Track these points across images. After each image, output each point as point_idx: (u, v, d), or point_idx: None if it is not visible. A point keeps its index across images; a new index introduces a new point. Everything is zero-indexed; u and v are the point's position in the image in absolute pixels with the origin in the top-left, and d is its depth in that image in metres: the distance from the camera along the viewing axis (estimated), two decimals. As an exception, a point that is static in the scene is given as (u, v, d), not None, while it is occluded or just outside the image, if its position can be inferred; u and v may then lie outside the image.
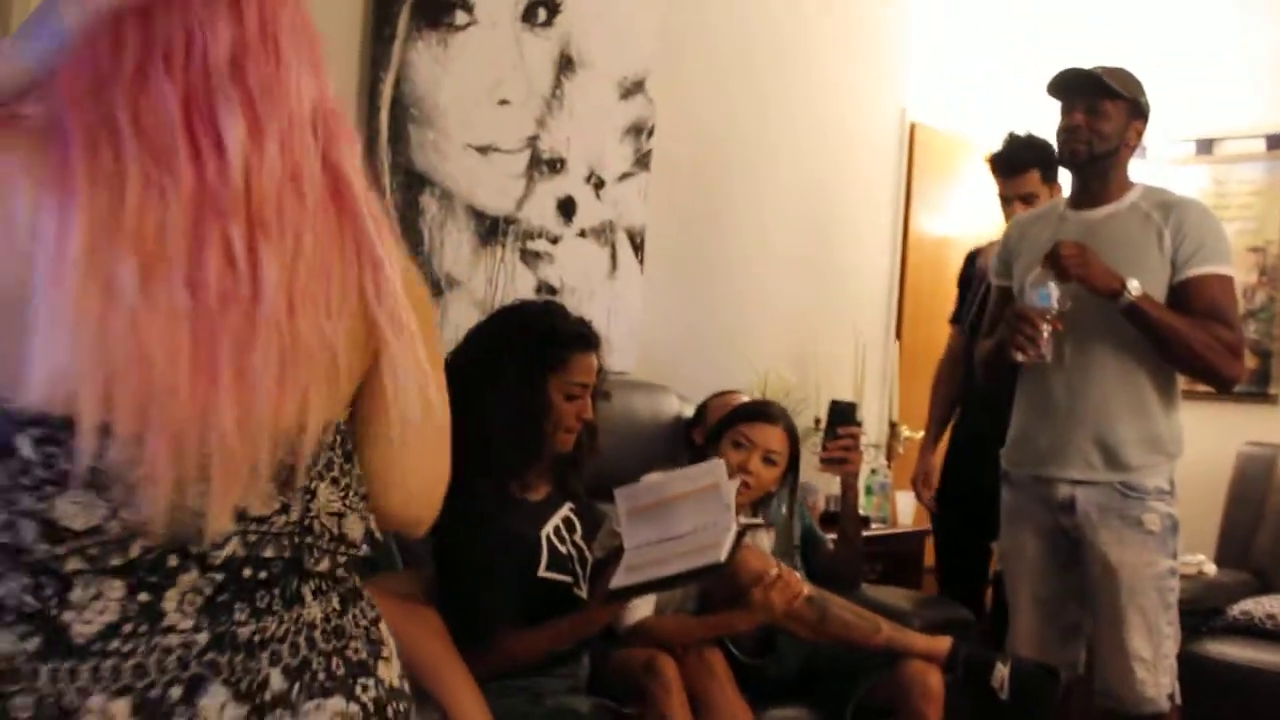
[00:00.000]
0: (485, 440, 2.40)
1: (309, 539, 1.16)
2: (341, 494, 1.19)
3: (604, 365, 2.60)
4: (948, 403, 4.00)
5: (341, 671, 1.16)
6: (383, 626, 1.25)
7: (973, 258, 4.08)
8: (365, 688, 1.18)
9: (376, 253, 1.13)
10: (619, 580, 2.35)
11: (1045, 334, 2.79)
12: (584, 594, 2.54)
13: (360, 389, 1.18)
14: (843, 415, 3.17)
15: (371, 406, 1.20)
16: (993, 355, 3.06)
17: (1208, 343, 2.80)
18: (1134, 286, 2.76)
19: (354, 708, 1.15)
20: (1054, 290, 2.79)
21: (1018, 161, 3.75)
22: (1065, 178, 3.22)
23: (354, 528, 1.21)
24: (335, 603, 1.20)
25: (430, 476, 1.30)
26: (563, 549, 2.51)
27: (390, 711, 1.20)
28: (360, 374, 1.17)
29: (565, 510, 2.59)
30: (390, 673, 1.22)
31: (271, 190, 1.06)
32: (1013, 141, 3.80)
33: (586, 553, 2.61)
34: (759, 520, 2.68)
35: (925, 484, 3.99)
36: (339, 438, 1.19)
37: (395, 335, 1.15)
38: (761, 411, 3.03)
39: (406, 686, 1.26)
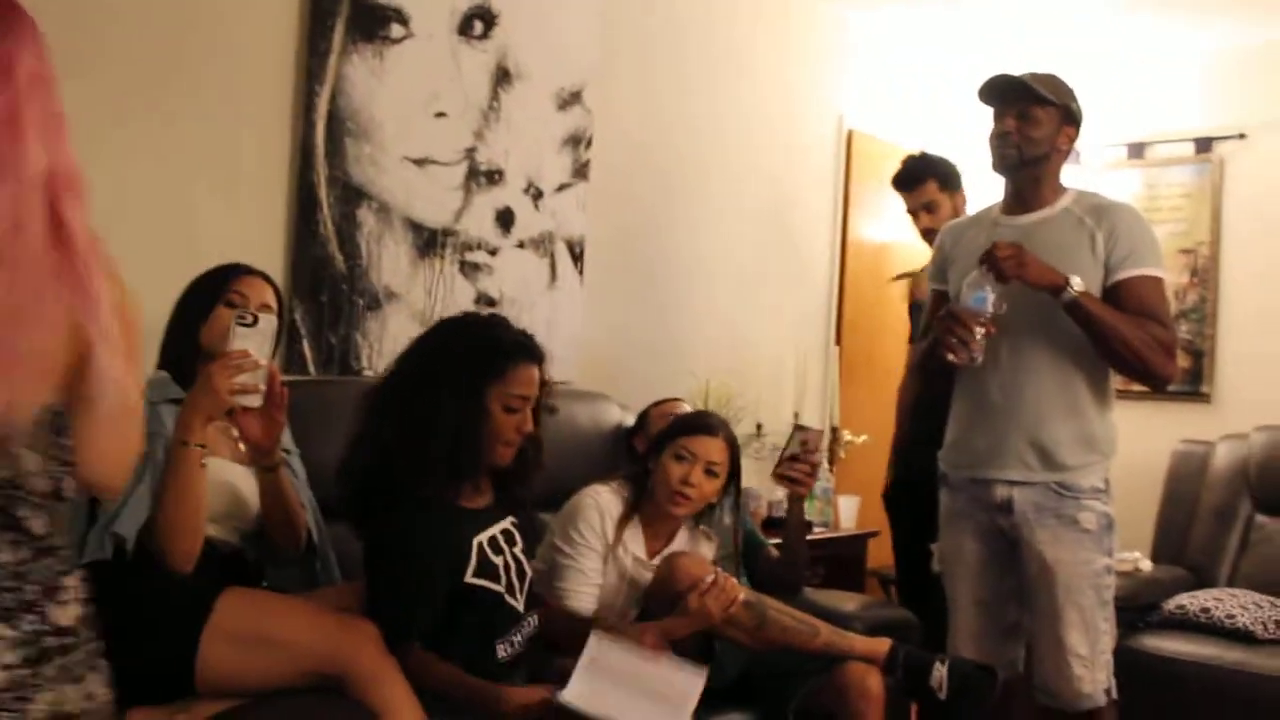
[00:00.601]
0: (420, 444, 2.40)
1: (19, 494, 1.48)
2: (42, 460, 1.51)
3: (549, 380, 2.58)
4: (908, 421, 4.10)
5: (10, 605, 1.45)
6: (69, 580, 1.54)
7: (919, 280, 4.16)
8: (30, 620, 1.47)
9: (86, 286, 1.50)
10: (573, 692, 2.37)
11: (978, 336, 2.83)
12: (518, 604, 2.53)
13: (73, 382, 1.51)
14: (806, 440, 3.20)
15: (79, 396, 1.52)
16: (925, 358, 3.10)
17: (1145, 340, 2.85)
18: (1076, 283, 2.80)
19: (11, 632, 1.44)
20: (989, 294, 2.83)
21: (915, 174, 4.07)
22: (987, 186, 3.26)
23: (43, 485, 1.52)
24: (26, 553, 1.49)
25: (119, 452, 1.61)
26: (495, 559, 2.51)
27: (47, 642, 1.48)
28: (69, 371, 1.50)
29: (506, 523, 2.59)
30: (61, 615, 1.51)
31: None
32: (909, 159, 4.14)
33: (525, 566, 2.61)
34: None
35: None
36: (52, 417, 1.51)
37: (101, 348, 1.50)
38: (702, 424, 3.03)
39: (82, 631, 1.55)
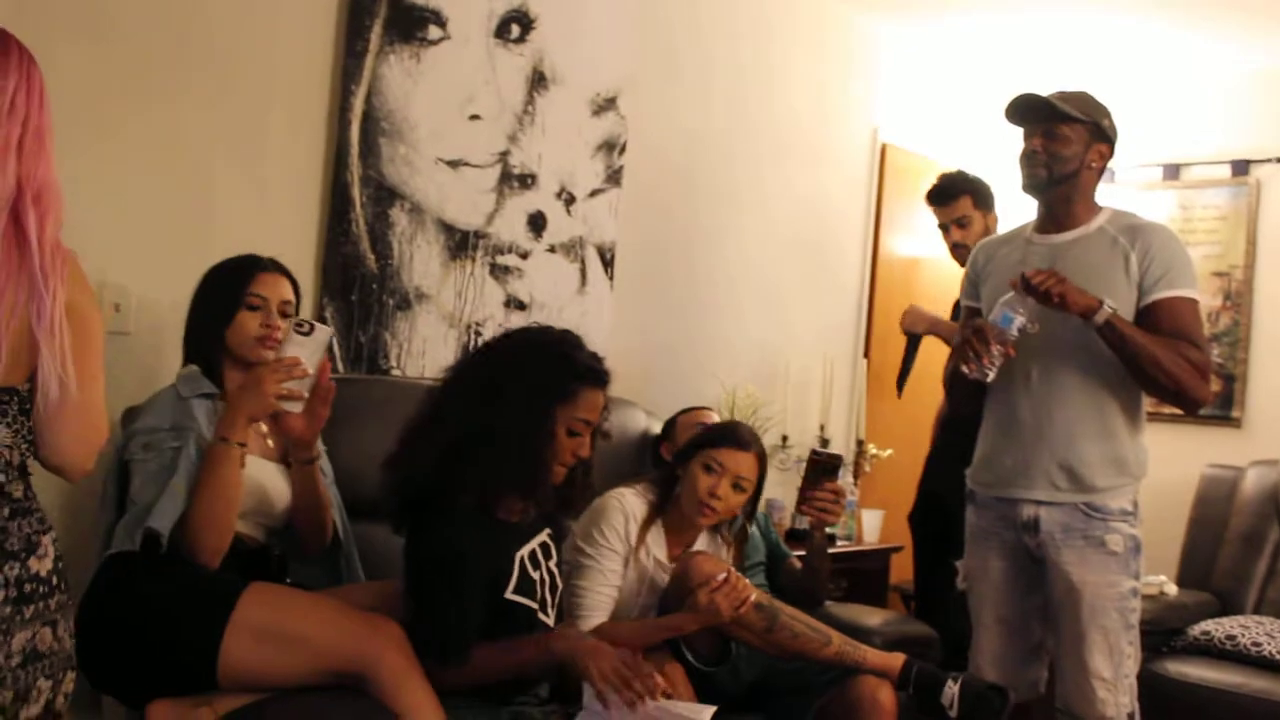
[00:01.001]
0: (479, 456, 2.38)
1: None
2: (12, 435, 1.78)
3: (609, 405, 2.57)
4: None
5: None
6: (45, 539, 1.80)
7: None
8: (11, 567, 1.74)
9: (40, 289, 1.72)
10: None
11: (996, 354, 2.81)
12: (549, 620, 2.52)
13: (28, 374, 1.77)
14: (827, 469, 3.13)
15: (33, 387, 1.78)
16: (948, 375, 3.10)
17: (1178, 363, 2.82)
18: (1110, 305, 2.78)
19: None
20: (1018, 317, 2.80)
21: (951, 189, 4.10)
22: (1022, 203, 3.24)
23: (15, 457, 1.78)
24: (5, 511, 1.75)
25: (68, 439, 1.82)
26: (534, 574, 2.50)
27: (27, 588, 1.75)
28: (28, 362, 1.76)
29: (543, 536, 2.58)
30: (40, 565, 1.79)
31: None
32: (946, 175, 4.17)
33: (558, 580, 2.60)
34: None
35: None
36: (14, 399, 1.77)
37: (46, 344, 1.73)
38: (735, 437, 3.01)
39: (58, 580, 1.82)
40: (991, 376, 2.83)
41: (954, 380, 3.06)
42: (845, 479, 4.49)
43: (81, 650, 2.30)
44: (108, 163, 2.91)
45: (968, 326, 2.90)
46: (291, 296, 2.64)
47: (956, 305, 4.06)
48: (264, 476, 2.54)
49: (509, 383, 2.42)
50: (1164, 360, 2.81)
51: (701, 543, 3.08)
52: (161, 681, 2.25)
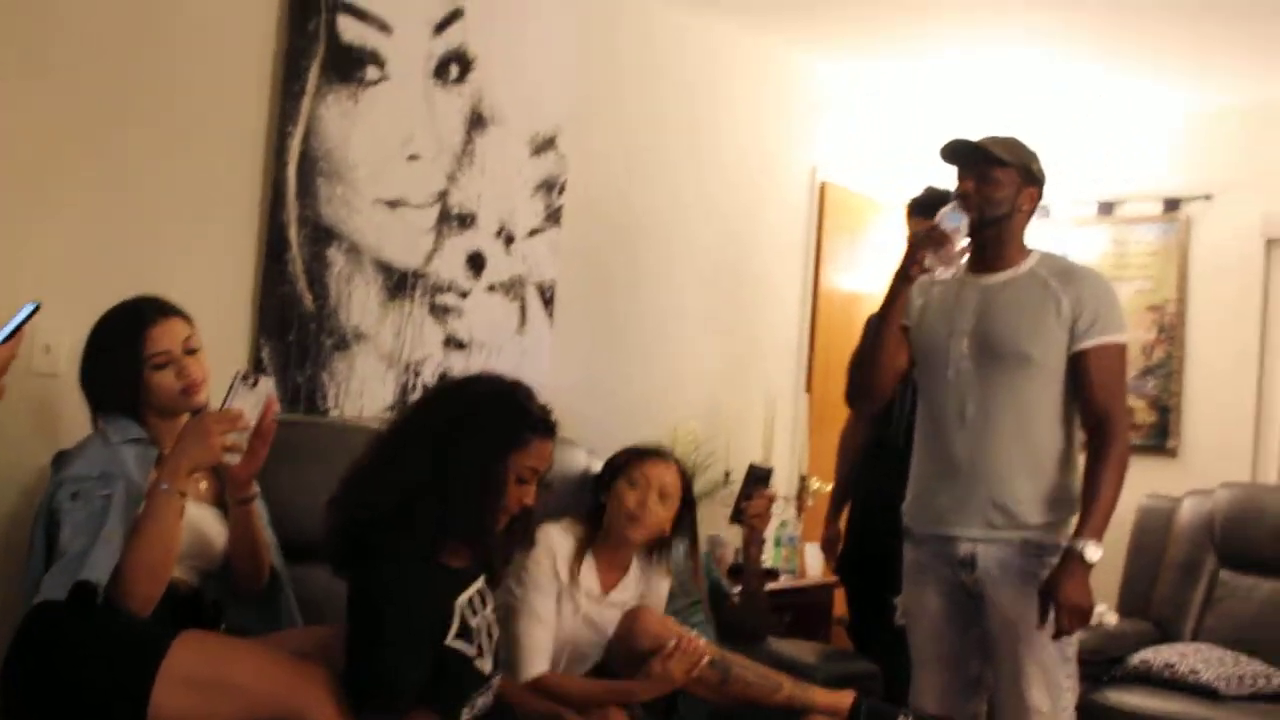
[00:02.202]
0: (430, 504, 2.35)
1: None
2: None
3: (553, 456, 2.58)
4: (850, 470, 4.10)
5: None
6: None
7: (871, 322, 4.15)
8: None
9: None
10: None
11: (957, 249, 2.89)
12: (486, 667, 2.50)
13: None
14: (759, 479, 3.31)
15: None
16: (859, 353, 3.15)
17: (1117, 478, 2.93)
18: (1080, 548, 2.84)
19: None
20: (964, 219, 2.91)
21: (935, 205, 3.92)
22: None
23: None
24: None
25: None
26: (472, 620, 2.48)
27: None
28: None
29: (479, 583, 2.57)
30: None
31: None
32: (932, 189, 4.04)
33: (494, 628, 2.59)
34: None
35: (829, 550, 4.10)
36: None
37: None
38: (653, 450, 3.11)
39: None
40: (952, 272, 2.94)
41: (860, 363, 3.13)
42: (789, 513, 4.52)
43: (7, 703, 2.27)
44: (41, 201, 2.89)
45: (923, 229, 2.98)
46: (188, 330, 2.57)
47: (868, 323, 4.10)
48: (200, 520, 2.52)
49: (463, 430, 2.40)
50: (1116, 490, 2.92)
51: (633, 573, 3.09)
52: (91, 733, 2.22)
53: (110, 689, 2.20)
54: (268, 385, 2.44)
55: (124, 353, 2.50)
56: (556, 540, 2.98)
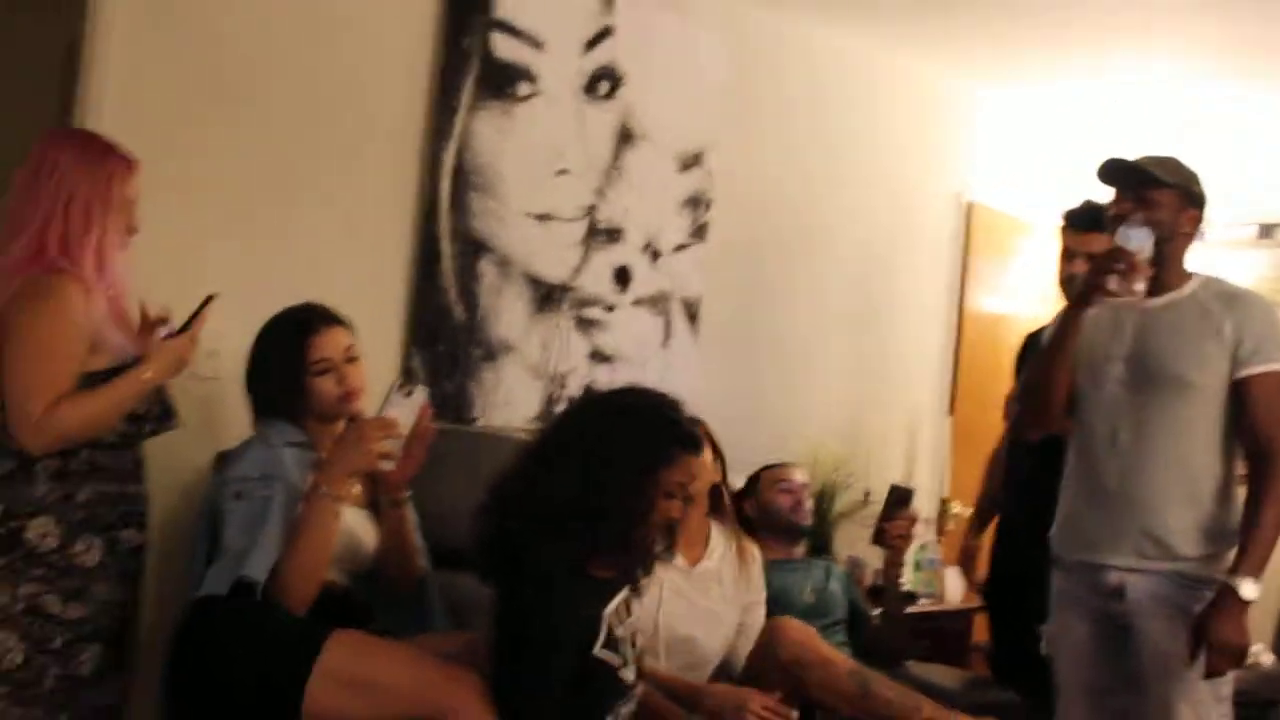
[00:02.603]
0: (581, 520, 2.38)
1: None
2: None
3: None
4: (997, 486, 3.99)
5: None
6: None
7: (1031, 340, 4.06)
8: None
9: None
10: None
11: (1142, 272, 2.77)
12: (629, 677, 2.51)
13: None
14: (900, 500, 3.30)
15: None
16: (1026, 384, 3.05)
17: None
18: (1249, 594, 2.74)
19: None
20: (1149, 236, 2.78)
21: (1096, 220, 3.80)
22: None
23: None
24: None
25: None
26: (619, 630, 2.50)
27: None
28: None
29: (625, 593, 2.58)
30: None
31: None
32: (1091, 203, 3.87)
33: (638, 637, 2.60)
34: None
35: (967, 564, 3.97)
36: None
37: None
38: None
39: None
40: (1142, 293, 2.79)
41: (1030, 383, 3.03)
42: (929, 537, 4.46)
43: (170, 693, 2.36)
44: (207, 211, 3.00)
45: (1106, 252, 2.83)
46: (350, 340, 2.67)
47: (1026, 345, 4.00)
48: (351, 522, 2.59)
49: (614, 445, 2.41)
50: (1277, 524, 2.78)
51: (715, 539, 3.09)
52: (247, 724, 2.30)
53: (266, 683, 2.27)
54: (422, 394, 2.52)
55: (289, 358, 2.60)
56: None
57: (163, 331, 2.42)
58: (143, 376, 2.38)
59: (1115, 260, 2.80)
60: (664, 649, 2.95)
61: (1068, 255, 3.84)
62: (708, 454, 3.00)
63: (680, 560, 3.01)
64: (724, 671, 2.97)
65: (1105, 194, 3.05)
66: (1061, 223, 3.91)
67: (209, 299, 2.37)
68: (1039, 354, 3.07)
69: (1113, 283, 2.80)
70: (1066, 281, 3.82)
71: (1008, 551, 3.85)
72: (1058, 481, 3.12)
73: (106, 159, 2.44)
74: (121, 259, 2.47)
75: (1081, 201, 3.89)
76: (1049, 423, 3.08)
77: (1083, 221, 3.83)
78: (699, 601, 2.99)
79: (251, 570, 2.34)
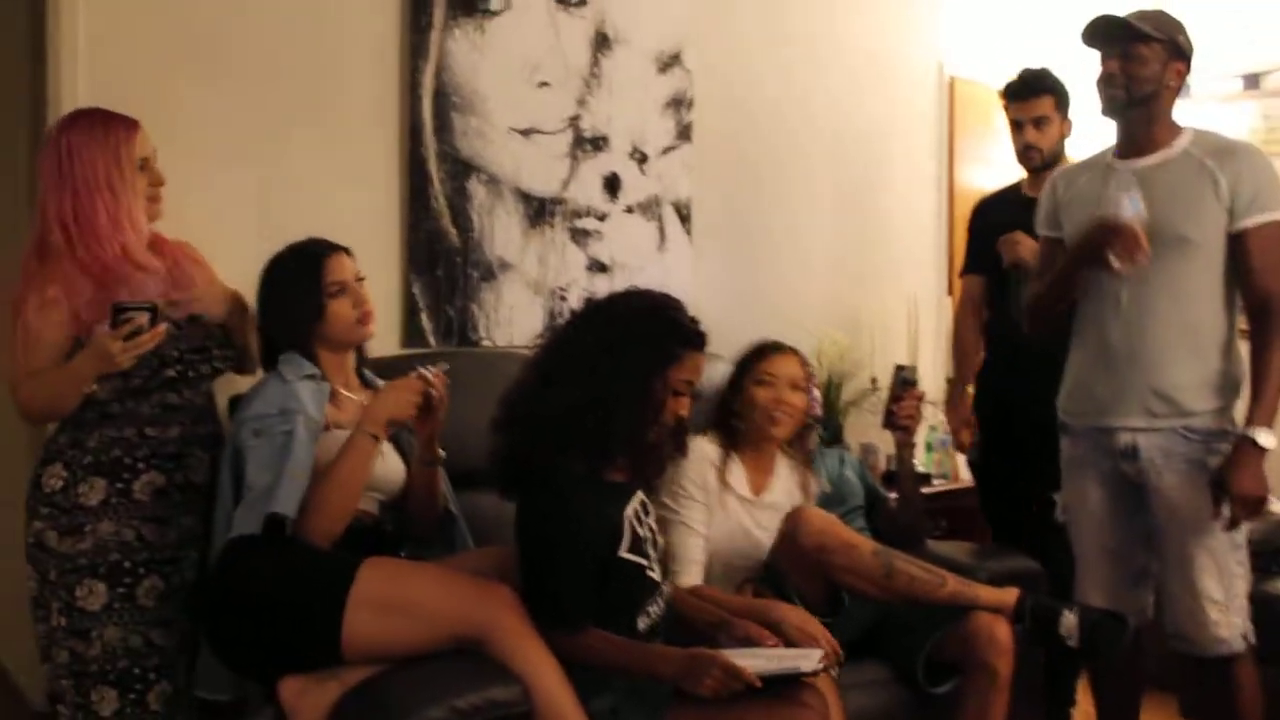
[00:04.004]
0: (592, 424, 2.41)
1: None
2: None
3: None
4: (974, 351, 4.01)
5: None
6: None
7: (981, 208, 4.06)
8: None
9: None
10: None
11: (1143, 242, 2.76)
12: (656, 575, 2.56)
13: None
14: (906, 381, 3.31)
15: None
16: (1044, 291, 3.06)
17: None
18: (1265, 442, 2.76)
19: None
20: (1140, 198, 2.78)
21: (1033, 86, 3.83)
22: (1100, 131, 3.19)
23: None
24: None
25: None
26: (640, 530, 2.54)
27: None
28: None
29: (641, 494, 2.62)
30: None
31: None
32: (1028, 71, 3.90)
33: (657, 536, 2.64)
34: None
35: (966, 427, 3.99)
36: None
37: None
38: (771, 345, 3.19)
39: None
40: (1146, 264, 2.79)
41: (1043, 303, 3.05)
42: (939, 417, 4.49)
43: (212, 631, 2.40)
44: (191, 159, 2.98)
45: (1104, 226, 2.83)
46: (354, 264, 2.71)
47: (971, 228, 4.02)
48: (382, 453, 2.61)
49: (618, 348, 2.44)
50: None
51: (782, 472, 3.14)
52: (290, 659, 2.33)
53: (305, 618, 2.31)
54: (442, 367, 2.61)
55: (307, 283, 2.63)
56: (705, 451, 3.04)
57: (104, 325, 2.45)
58: (70, 367, 2.47)
59: (1112, 234, 2.79)
60: (719, 568, 3.00)
61: (1016, 126, 3.88)
62: (797, 385, 3.11)
63: (745, 489, 3.05)
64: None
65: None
66: (1002, 99, 3.90)
67: (154, 312, 2.44)
68: (1044, 285, 3.08)
69: (1115, 259, 2.79)
70: (1023, 152, 3.82)
71: (1000, 423, 3.86)
72: (1049, 347, 3.15)
73: (110, 127, 2.56)
74: (155, 210, 2.66)
75: (1019, 72, 3.89)
76: (1057, 327, 3.11)
77: (1022, 90, 3.85)
78: (753, 531, 3.04)
79: (280, 505, 2.36)
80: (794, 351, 3.19)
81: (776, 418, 3.07)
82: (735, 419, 3.13)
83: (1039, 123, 3.80)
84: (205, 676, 2.55)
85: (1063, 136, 3.82)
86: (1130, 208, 2.76)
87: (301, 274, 2.63)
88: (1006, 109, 3.90)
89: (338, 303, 2.63)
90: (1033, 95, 3.82)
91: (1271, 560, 4.02)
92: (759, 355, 3.17)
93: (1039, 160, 3.76)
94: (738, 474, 3.07)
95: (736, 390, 3.14)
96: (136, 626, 2.54)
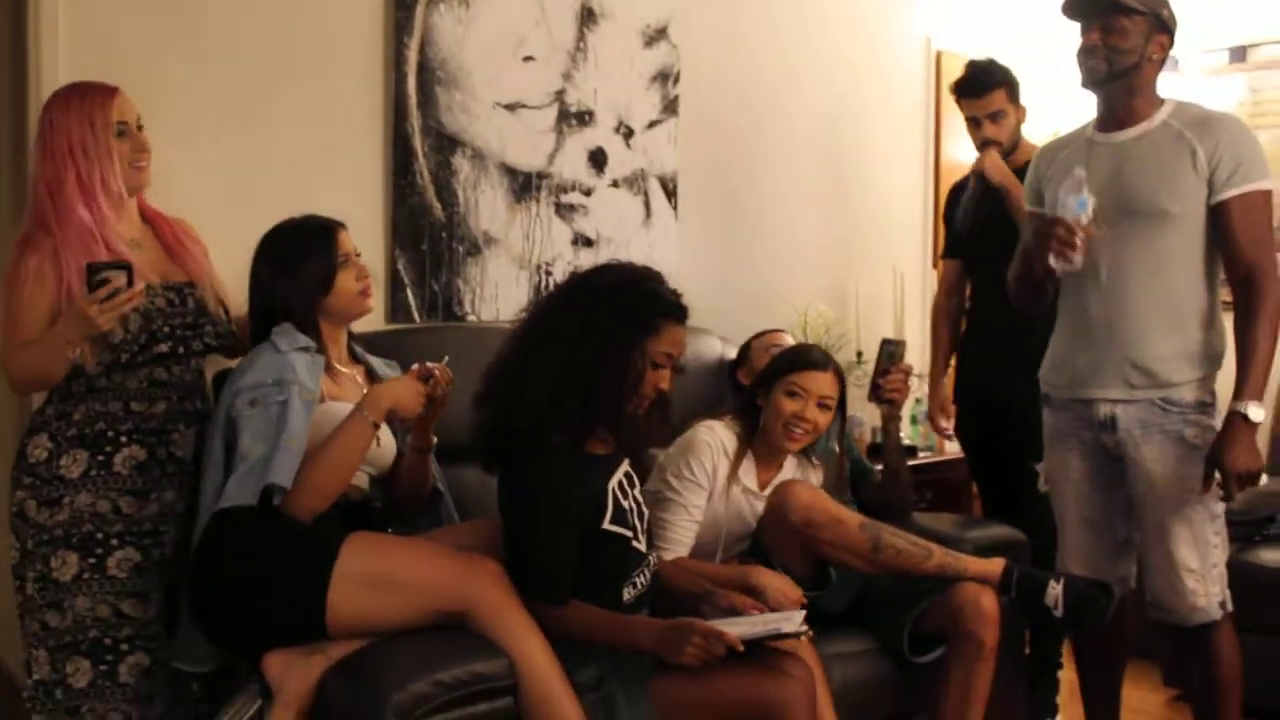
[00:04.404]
0: (572, 396, 2.43)
1: None
2: None
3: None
4: (951, 337, 4.03)
5: None
6: None
7: (956, 191, 4.06)
8: None
9: None
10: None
11: (1079, 241, 2.79)
12: (641, 547, 2.58)
13: None
14: (891, 354, 3.30)
15: None
16: (1021, 269, 3.08)
17: (1275, 329, 2.82)
18: (1242, 410, 2.77)
19: None
20: (1089, 198, 2.79)
21: (985, 81, 3.83)
22: (1083, 104, 3.19)
23: None
24: None
25: None
26: (624, 503, 2.56)
27: None
28: None
29: (625, 465, 2.64)
30: None
31: None
32: (975, 65, 3.91)
33: (644, 507, 2.66)
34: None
35: (943, 413, 4.03)
36: None
37: None
38: (810, 358, 3.07)
39: None
40: (1080, 264, 2.81)
41: (1021, 280, 3.07)
42: (924, 390, 4.51)
43: (195, 605, 2.41)
44: (176, 135, 2.98)
45: (1043, 222, 2.87)
46: (351, 240, 2.73)
47: (948, 210, 4.03)
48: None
49: (598, 321, 2.45)
50: (1272, 345, 2.82)
51: (789, 469, 3.13)
52: (275, 633, 2.35)
53: (289, 593, 2.32)
54: (445, 361, 2.66)
55: (319, 256, 2.64)
56: (722, 438, 3.03)
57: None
58: (52, 333, 2.48)
59: (1052, 231, 2.81)
60: (719, 554, 3.02)
61: (973, 123, 3.89)
62: (826, 404, 3.04)
63: (753, 483, 3.06)
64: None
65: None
66: (954, 95, 3.90)
67: (130, 271, 2.43)
68: (1015, 272, 3.12)
69: (1051, 258, 2.82)
70: (982, 147, 3.83)
71: (983, 395, 3.88)
72: (1030, 322, 3.18)
73: (86, 94, 2.59)
74: (140, 178, 2.67)
75: (966, 67, 3.89)
76: (1041, 301, 3.13)
77: (973, 87, 3.86)
78: (752, 521, 3.04)
79: (277, 476, 2.36)
80: (834, 369, 3.08)
81: (794, 434, 3.01)
82: (754, 415, 3.10)
83: (994, 117, 3.81)
84: (184, 648, 2.56)
85: (1019, 124, 3.83)
86: (1075, 208, 2.78)
87: (315, 246, 2.64)
88: (960, 105, 3.89)
89: (344, 274, 2.65)
90: (985, 91, 3.82)
91: (1254, 529, 4.06)
92: (795, 365, 3.06)
93: (1000, 153, 3.77)
94: (748, 468, 3.06)
95: (762, 389, 3.09)
96: (105, 596, 2.55)
